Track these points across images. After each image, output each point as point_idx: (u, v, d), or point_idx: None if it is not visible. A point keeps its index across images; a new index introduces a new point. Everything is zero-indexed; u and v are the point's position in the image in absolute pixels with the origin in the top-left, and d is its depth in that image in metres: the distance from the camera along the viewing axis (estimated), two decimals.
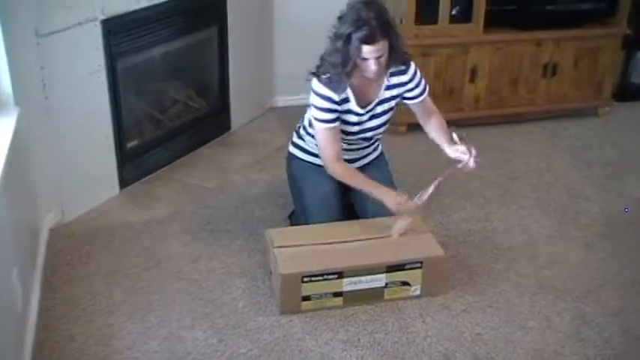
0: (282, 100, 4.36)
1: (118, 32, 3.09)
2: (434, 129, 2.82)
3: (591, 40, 4.13)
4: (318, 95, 2.67)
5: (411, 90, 2.79)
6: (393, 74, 2.75)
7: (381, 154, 3.05)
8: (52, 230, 3.01)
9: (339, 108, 2.69)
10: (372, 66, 2.57)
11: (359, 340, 2.46)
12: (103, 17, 2.99)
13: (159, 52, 3.49)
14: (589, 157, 3.85)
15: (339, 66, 2.58)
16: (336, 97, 2.66)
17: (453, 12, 3.87)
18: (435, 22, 3.85)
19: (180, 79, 3.81)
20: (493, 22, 3.92)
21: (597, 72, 4.21)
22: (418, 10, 3.76)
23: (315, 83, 2.68)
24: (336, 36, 2.58)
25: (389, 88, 2.78)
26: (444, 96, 3.98)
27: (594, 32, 4.13)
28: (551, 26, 4.04)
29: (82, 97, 2.99)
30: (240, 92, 4.00)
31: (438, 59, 3.89)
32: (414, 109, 2.87)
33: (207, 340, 2.44)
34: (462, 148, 2.64)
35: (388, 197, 2.68)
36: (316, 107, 2.69)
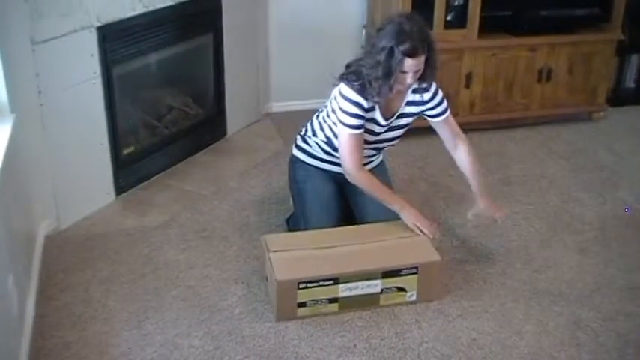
0: (277, 106, 4.36)
1: (114, 39, 3.10)
2: (469, 172, 2.90)
3: (585, 46, 4.15)
4: (348, 100, 2.68)
5: (432, 109, 2.83)
6: (415, 91, 2.78)
7: (382, 162, 3.08)
8: (47, 237, 3.01)
9: (366, 115, 2.71)
10: (409, 79, 2.61)
11: (355, 345, 2.47)
12: (99, 24, 2.99)
13: (154, 58, 3.49)
14: (583, 161, 3.86)
15: (380, 79, 2.59)
16: (365, 104, 2.67)
17: (448, 18, 3.88)
18: (429, 27, 3.84)
19: (175, 85, 3.81)
20: (488, 27, 3.93)
21: (591, 77, 4.23)
22: None
23: (344, 88, 2.69)
24: (377, 49, 2.59)
25: (409, 103, 2.80)
26: None
27: (588, 38, 4.15)
28: (546, 32, 4.06)
29: (77, 104, 3.00)
30: (236, 98, 4.00)
31: None
32: (439, 130, 2.90)
33: (203, 346, 2.44)
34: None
35: (408, 214, 2.74)
36: (345, 112, 2.69)
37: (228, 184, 3.54)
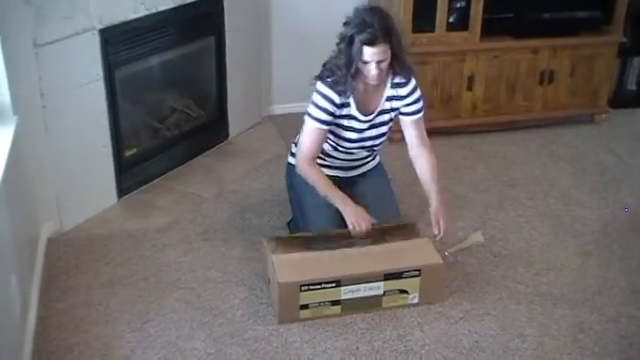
0: (279, 109, 4.36)
1: (116, 42, 3.10)
2: (425, 178, 2.83)
3: (587, 48, 4.15)
4: (320, 94, 2.72)
5: (409, 105, 2.82)
6: (393, 86, 2.79)
7: (379, 163, 3.08)
8: (50, 239, 3.01)
9: (336, 112, 2.72)
10: (372, 70, 2.62)
11: (357, 348, 2.47)
12: (101, 27, 3.00)
13: (157, 61, 3.49)
14: (585, 164, 3.86)
15: (343, 68, 2.63)
16: (337, 100, 2.70)
17: (450, 20, 3.89)
18: (432, 30, 3.86)
19: (178, 88, 3.81)
20: (490, 30, 3.93)
21: (593, 79, 4.23)
22: (415, 18, 3.77)
23: (319, 85, 2.74)
24: (340, 38, 2.65)
25: (389, 99, 2.81)
26: (441, 104, 4.00)
27: (590, 40, 4.15)
28: (548, 34, 4.06)
29: (80, 106, 3.00)
30: (238, 101, 4.01)
31: (435, 67, 3.90)
32: (408, 132, 2.87)
33: (205, 349, 2.44)
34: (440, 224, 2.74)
35: (348, 212, 2.70)
36: (314, 104, 2.73)
37: (230, 186, 3.54)
